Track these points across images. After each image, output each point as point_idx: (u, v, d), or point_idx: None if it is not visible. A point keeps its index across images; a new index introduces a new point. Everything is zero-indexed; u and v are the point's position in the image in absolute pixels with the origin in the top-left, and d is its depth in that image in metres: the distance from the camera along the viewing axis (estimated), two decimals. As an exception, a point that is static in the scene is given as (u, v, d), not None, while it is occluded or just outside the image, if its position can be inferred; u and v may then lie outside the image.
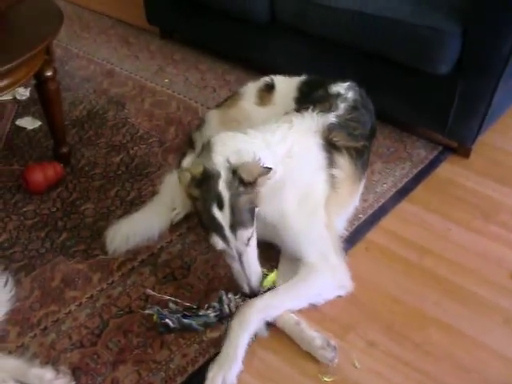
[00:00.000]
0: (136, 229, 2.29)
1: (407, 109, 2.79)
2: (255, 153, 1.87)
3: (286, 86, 2.50)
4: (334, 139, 2.17)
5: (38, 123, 3.00)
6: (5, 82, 2.15)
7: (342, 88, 2.37)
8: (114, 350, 1.92)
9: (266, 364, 1.90)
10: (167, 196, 2.42)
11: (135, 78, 3.45)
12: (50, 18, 2.41)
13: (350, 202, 2.34)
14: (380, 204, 2.52)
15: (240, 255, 1.90)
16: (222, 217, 1.82)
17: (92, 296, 2.10)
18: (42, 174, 2.51)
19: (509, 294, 2.14)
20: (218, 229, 1.84)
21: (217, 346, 1.92)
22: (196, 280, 2.17)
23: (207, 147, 1.93)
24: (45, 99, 2.56)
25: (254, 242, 1.93)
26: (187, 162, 2.48)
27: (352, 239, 2.34)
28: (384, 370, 1.88)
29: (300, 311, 2.03)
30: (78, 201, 2.51)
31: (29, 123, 3.01)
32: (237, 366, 1.82)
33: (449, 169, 2.74)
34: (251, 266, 1.94)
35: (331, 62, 2.95)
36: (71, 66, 3.56)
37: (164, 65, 3.59)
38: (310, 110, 2.21)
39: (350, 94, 2.35)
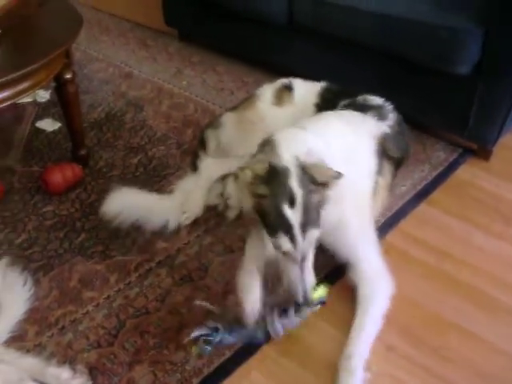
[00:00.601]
0: (134, 205, 2.34)
1: (427, 110, 2.77)
2: (323, 155, 1.80)
3: (306, 90, 2.47)
4: (388, 148, 2.17)
5: (57, 125, 3.02)
6: (25, 85, 2.17)
7: (380, 100, 2.34)
8: (130, 350, 1.92)
9: (279, 366, 1.89)
10: (178, 198, 2.44)
11: (153, 81, 3.46)
12: (69, 22, 2.44)
13: (378, 210, 2.30)
14: (399, 207, 2.50)
15: (303, 258, 1.78)
16: (293, 215, 1.70)
17: (109, 296, 2.11)
18: (61, 176, 2.53)
19: (529, 299, 2.11)
20: (287, 228, 1.71)
21: (232, 348, 1.92)
22: (213, 282, 2.16)
23: (270, 145, 1.82)
24: (64, 101, 2.58)
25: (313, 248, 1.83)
26: (206, 163, 2.53)
27: (370, 242, 2.33)
28: (402, 374, 1.87)
29: (318, 315, 2.03)
30: (96, 202, 2.51)
31: (48, 125, 3.03)
32: None
33: (468, 171, 2.71)
34: (310, 271, 1.82)
35: (350, 64, 2.95)
36: (90, 69, 3.59)
37: (182, 67, 3.60)
38: (369, 115, 2.22)
39: (392, 109, 2.33)
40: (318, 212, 1.76)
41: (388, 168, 2.20)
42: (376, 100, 2.35)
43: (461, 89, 2.60)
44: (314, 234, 1.74)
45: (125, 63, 3.65)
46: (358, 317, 1.99)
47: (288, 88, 2.47)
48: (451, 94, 2.66)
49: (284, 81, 2.52)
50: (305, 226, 1.72)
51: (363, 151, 2.09)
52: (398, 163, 2.29)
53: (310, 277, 1.81)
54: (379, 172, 2.12)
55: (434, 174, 2.68)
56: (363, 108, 2.27)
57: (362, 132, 2.12)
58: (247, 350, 1.93)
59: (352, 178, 1.87)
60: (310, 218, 1.72)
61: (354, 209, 2.01)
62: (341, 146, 1.95)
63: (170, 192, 2.50)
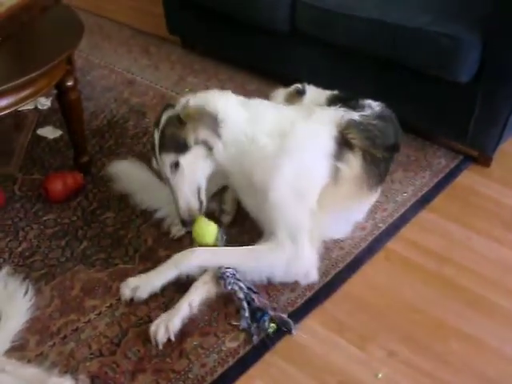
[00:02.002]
0: (136, 181, 2.52)
1: (428, 117, 2.78)
2: (220, 108, 2.15)
3: (317, 95, 2.50)
4: (349, 135, 2.18)
5: (58, 132, 3.01)
6: (27, 92, 2.17)
7: (373, 102, 2.38)
8: (132, 359, 1.92)
9: (282, 373, 1.89)
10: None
11: (156, 88, 3.46)
12: (71, 28, 2.44)
13: (349, 204, 2.30)
14: (400, 213, 2.50)
15: (168, 180, 2.18)
16: (156, 138, 2.17)
17: (111, 305, 2.11)
18: (62, 184, 2.53)
19: (530, 305, 2.12)
20: (152, 147, 2.20)
21: (235, 355, 1.92)
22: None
23: None
24: (66, 109, 2.57)
25: (185, 175, 2.14)
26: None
27: (372, 248, 2.33)
28: (404, 380, 1.87)
29: (317, 318, 2.05)
30: (98, 210, 2.52)
31: (50, 133, 3.03)
32: (150, 287, 2.08)
33: (469, 178, 2.72)
34: (179, 193, 2.16)
35: (352, 71, 2.96)
36: (93, 76, 3.59)
37: (184, 74, 3.60)
38: (335, 106, 2.28)
39: (380, 108, 2.37)
40: (175, 142, 2.13)
41: (354, 157, 2.19)
42: (369, 101, 2.38)
43: (461, 96, 2.61)
44: (167, 158, 2.14)
45: (127, 70, 3.66)
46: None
47: (300, 92, 2.51)
48: (452, 102, 2.67)
49: (298, 85, 2.56)
50: (160, 149, 2.15)
51: (310, 132, 2.17)
52: (374, 159, 2.25)
53: (182, 197, 2.17)
54: (337, 157, 2.15)
55: (435, 180, 2.69)
56: (350, 106, 2.32)
57: (318, 118, 2.22)
58: (250, 358, 1.93)
59: (290, 150, 2.12)
60: (163, 144, 2.15)
61: (288, 178, 2.11)
62: (264, 120, 2.19)
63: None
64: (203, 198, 2.23)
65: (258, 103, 2.27)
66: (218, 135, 2.13)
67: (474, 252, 2.33)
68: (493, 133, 2.62)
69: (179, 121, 2.12)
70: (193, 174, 2.17)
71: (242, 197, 2.29)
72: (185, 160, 2.13)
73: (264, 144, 2.15)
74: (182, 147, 2.12)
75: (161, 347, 1.94)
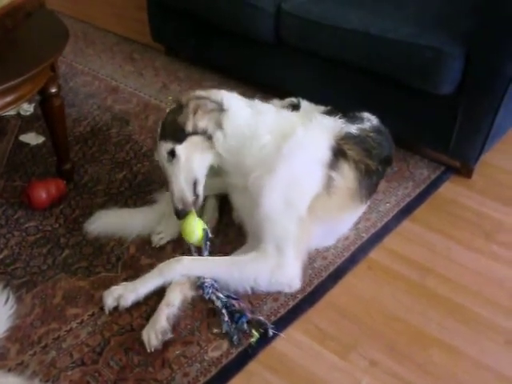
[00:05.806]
0: (116, 222, 2.42)
1: (410, 128, 2.80)
2: (225, 98, 2.16)
3: (311, 110, 2.47)
4: (346, 146, 2.19)
5: (41, 139, 3.00)
6: (10, 98, 2.16)
7: (369, 115, 2.40)
8: (115, 368, 1.91)
9: (265, 383, 1.89)
10: (159, 213, 2.46)
11: (139, 95, 3.46)
12: (55, 35, 2.44)
13: (340, 215, 2.31)
14: (383, 223, 2.52)
15: (165, 170, 2.19)
16: (158, 130, 2.22)
17: (93, 313, 2.09)
18: (45, 191, 2.51)
19: (510, 315, 2.13)
20: (155, 141, 2.27)
21: (218, 365, 1.92)
22: (198, 299, 2.13)
23: None
24: (49, 115, 2.56)
25: (181, 164, 2.15)
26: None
27: (354, 258, 2.34)
28: (385, 390, 1.88)
29: (300, 328, 2.05)
30: (80, 217, 2.50)
31: (32, 139, 3.01)
32: (134, 296, 2.07)
33: (451, 188, 2.74)
34: (174, 182, 2.17)
35: (335, 81, 2.97)
36: (76, 83, 3.57)
37: (168, 82, 3.60)
38: (335, 116, 2.28)
39: (377, 121, 2.40)
40: (173, 129, 2.15)
41: (349, 168, 2.20)
42: (366, 114, 2.40)
43: (443, 108, 2.63)
44: (163, 145, 2.16)
45: (111, 77, 3.65)
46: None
47: (294, 106, 2.50)
48: (434, 113, 2.69)
49: (293, 99, 2.55)
50: (159, 137, 2.19)
51: (310, 139, 2.17)
52: (368, 170, 2.27)
53: (175, 188, 2.17)
54: (332, 166, 2.15)
55: (418, 191, 2.71)
56: (349, 118, 2.32)
57: (318, 126, 2.21)
58: (233, 368, 1.92)
59: (289, 155, 2.11)
60: (162, 132, 2.19)
61: (281, 184, 2.11)
62: (273, 118, 2.21)
63: (153, 203, 2.55)
64: (200, 191, 2.23)
65: (261, 103, 2.28)
66: (220, 124, 2.13)
67: (454, 262, 2.35)
68: (475, 144, 2.64)
69: (180, 107, 2.14)
70: (189, 163, 2.16)
71: (235, 197, 2.29)
72: (181, 149, 2.13)
73: (265, 142, 2.15)
74: (179, 135, 2.12)
75: (153, 349, 1.95)
